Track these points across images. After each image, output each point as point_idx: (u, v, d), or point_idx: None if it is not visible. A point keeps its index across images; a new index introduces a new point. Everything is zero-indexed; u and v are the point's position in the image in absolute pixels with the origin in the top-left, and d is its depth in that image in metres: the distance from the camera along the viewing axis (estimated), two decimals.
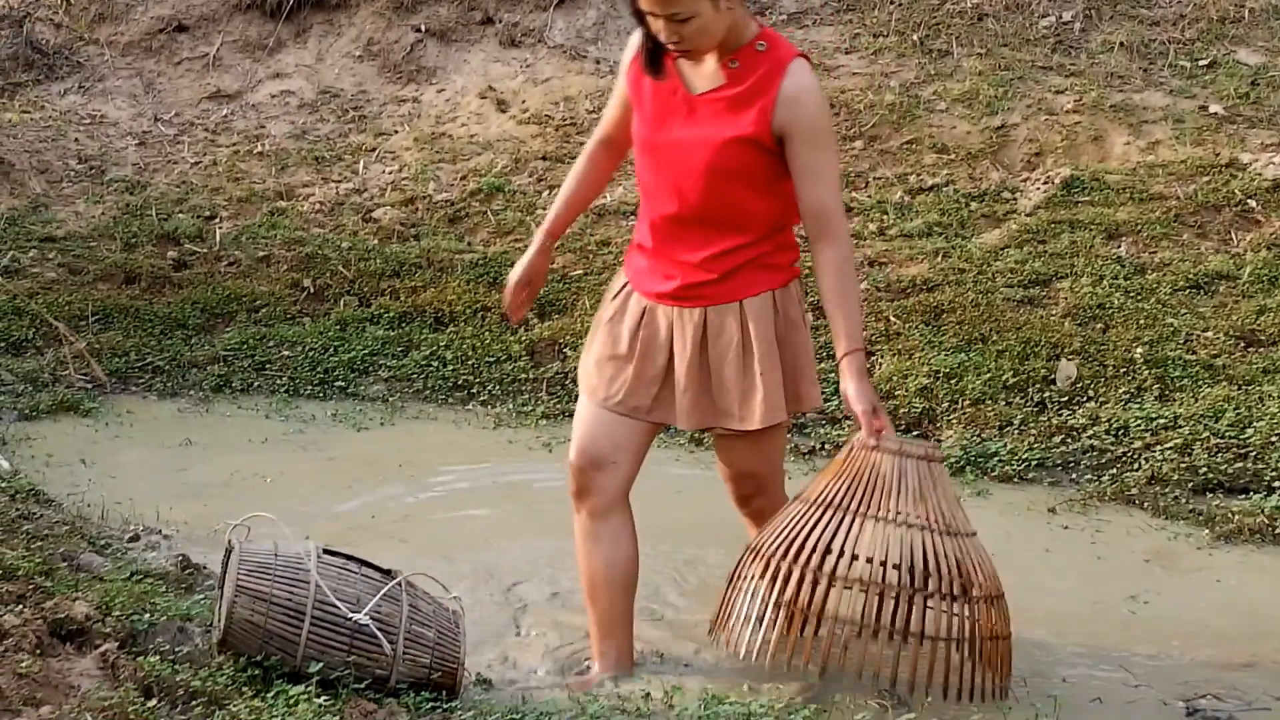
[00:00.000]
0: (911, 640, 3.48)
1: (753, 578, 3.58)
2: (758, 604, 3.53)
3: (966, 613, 3.50)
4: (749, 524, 3.97)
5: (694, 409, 3.70)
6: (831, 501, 3.55)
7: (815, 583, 3.47)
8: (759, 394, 3.65)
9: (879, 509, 3.51)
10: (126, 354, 7.20)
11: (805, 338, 3.81)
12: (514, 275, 4.03)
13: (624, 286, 3.85)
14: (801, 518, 3.57)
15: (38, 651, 3.11)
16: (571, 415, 3.96)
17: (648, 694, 3.48)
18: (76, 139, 9.91)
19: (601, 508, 3.81)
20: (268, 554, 3.38)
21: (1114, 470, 5.55)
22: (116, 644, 3.29)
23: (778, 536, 3.57)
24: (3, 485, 4.99)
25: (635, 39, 3.70)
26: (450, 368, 6.97)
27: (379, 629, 3.32)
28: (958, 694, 3.50)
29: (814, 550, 3.50)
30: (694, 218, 3.65)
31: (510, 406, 6.60)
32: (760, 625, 3.51)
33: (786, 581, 3.49)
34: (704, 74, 3.64)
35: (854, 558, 3.49)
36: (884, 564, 3.50)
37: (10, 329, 7.33)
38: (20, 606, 3.35)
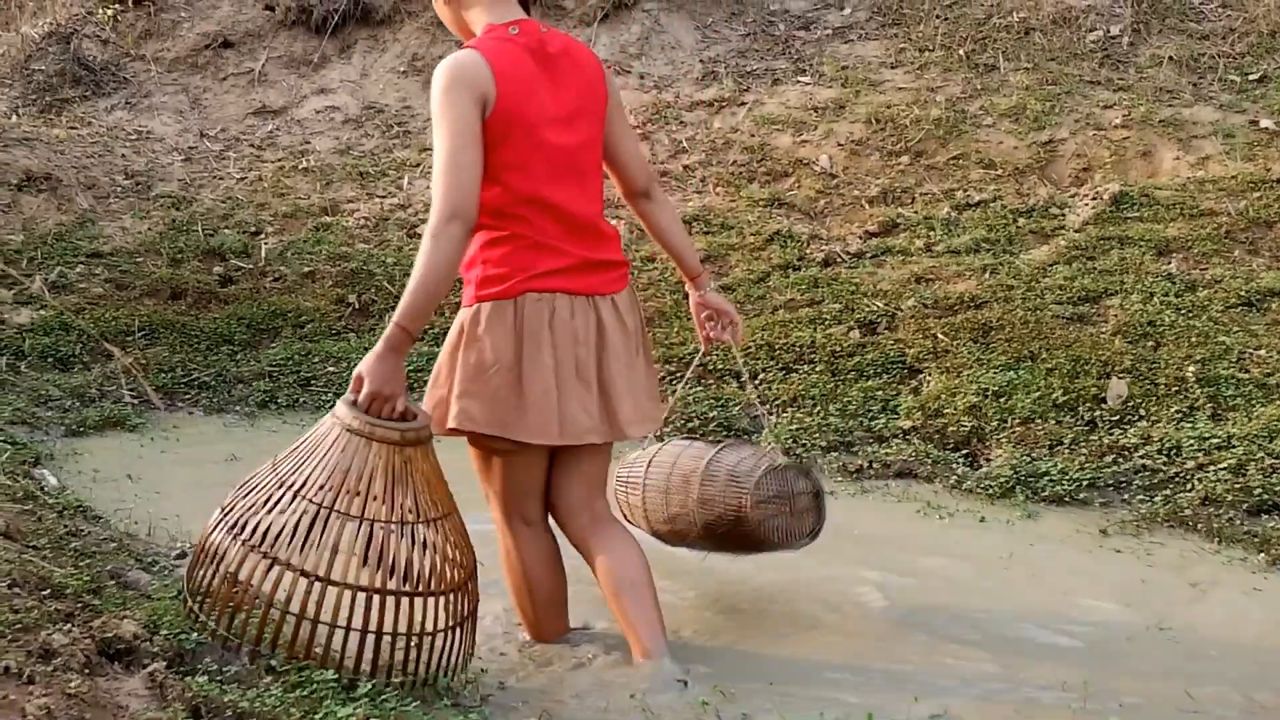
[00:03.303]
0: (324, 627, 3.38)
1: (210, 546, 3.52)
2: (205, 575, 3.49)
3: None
4: None
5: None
6: (283, 476, 3.50)
7: (244, 551, 3.42)
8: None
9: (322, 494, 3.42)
10: (173, 369, 7.23)
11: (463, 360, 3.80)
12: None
13: None
14: (256, 485, 3.53)
15: (86, 671, 3.09)
16: None
17: None
18: (123, 155, 9.97)
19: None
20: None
21: (1166, 491, 5.46)
22: (164, 663, 3.27)
23: (237, 494, 3.55)
24: (51, 501, 4.99)
25: None
26: None
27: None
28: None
29: (246, 519, 3.46)
30: None
31: None
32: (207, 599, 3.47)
33: (225, 553, 3.44)
34: None
35: (270, 529, 3.42)
36: (305, 543, 3.39)
37: (58, 344, 7.37)
38: (69, 625, 3.34)
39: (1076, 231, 7.84)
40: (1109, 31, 9.90)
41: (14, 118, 10.34)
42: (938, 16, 10.37)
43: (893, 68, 9.97)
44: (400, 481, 3.49)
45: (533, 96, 3.63)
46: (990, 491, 5.63)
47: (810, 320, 7.19)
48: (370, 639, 3.43)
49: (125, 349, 7.36)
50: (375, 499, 3.45)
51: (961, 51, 9.92)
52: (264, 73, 11.05)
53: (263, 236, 8.91)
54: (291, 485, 3.46)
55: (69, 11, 11.46)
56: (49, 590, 3.64)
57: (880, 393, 6.52)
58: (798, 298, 7.50)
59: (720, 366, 6.83)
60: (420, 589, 3.49)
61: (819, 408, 6.43)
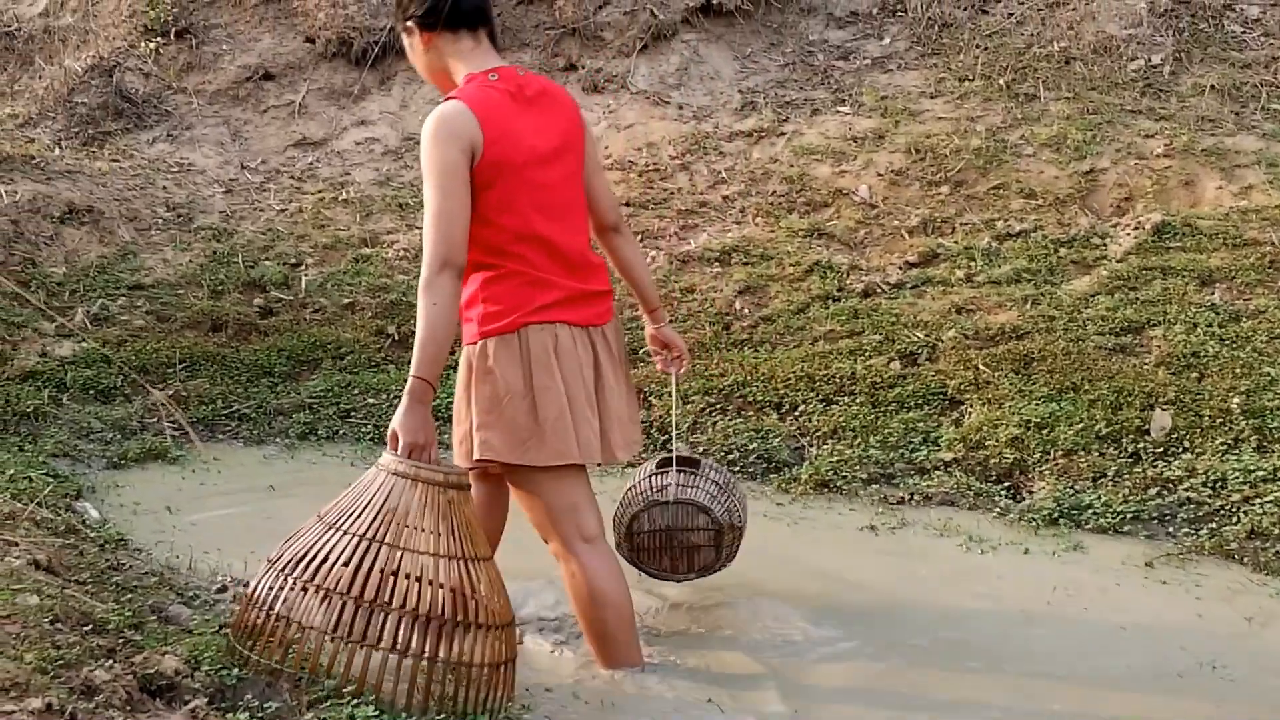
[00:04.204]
0: (377, 652, 3.44)
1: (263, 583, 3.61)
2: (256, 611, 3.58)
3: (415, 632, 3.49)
4: None
5: None
6: (330, 520, 3.61)
7: (293, 588, 3.51)
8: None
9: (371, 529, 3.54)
10: (213, 401, 7.25)
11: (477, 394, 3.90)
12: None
13: None
14: (304, 535, 3.63)
15: (128, 708, 3.09)
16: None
17: None
18: (165, 187, 10.03)
19: None
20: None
21: (1212, 524, 5.40)
22: (206, 699, 3.28)
23: (284, 544, 3.64)
24: (92, 535, 5.00)
25: None
26: None
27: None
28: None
29: (297, 558, 3.57)
30: None
31: None
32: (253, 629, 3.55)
33: (279, 593, 3.53)
34: None
35: (323, 564, 3.52)
36: (356, 573, 3.49)
37: (99, 377, 7.40)
38: (110, 661, 3.34)
39: (1118, 261, 7.78)
40: (1150, 61, 9.85)
41: (57, 150, 10.42)
42: (978, 46, 10.35)
43: (932, 97, 9.95)
44: (446, 520, 3.55)
45: (518, 139, 3.77)
46: (1033, 524, 5.58)
47: (850, 351, 7.16)
48: (417, 668, 3.45)
49: (166, 381, 7.39)
50: (426, 533, 3.52)
51: (1002, 81, 9.89)
52: (304, 105, 11.12)
53: (303, 268, 8.94)
54: (341, 527, 3.54)
55: (111, 45, 11.56)
56: (90, 626, 3.64)
57: (921, 424, 6.47)
58: (838, 329, 7.47)
59: (760, 399, 6.80)
60: (470, 621, 3.53)
61: (859, 439, 6.39)
